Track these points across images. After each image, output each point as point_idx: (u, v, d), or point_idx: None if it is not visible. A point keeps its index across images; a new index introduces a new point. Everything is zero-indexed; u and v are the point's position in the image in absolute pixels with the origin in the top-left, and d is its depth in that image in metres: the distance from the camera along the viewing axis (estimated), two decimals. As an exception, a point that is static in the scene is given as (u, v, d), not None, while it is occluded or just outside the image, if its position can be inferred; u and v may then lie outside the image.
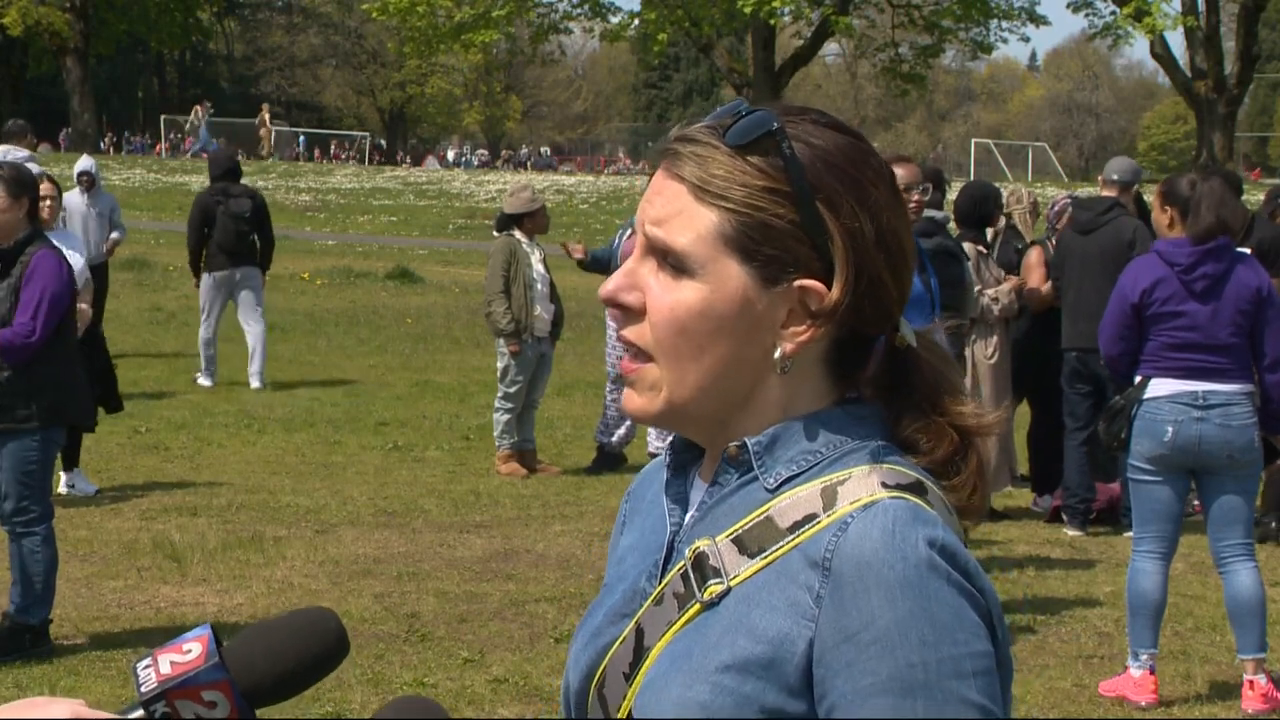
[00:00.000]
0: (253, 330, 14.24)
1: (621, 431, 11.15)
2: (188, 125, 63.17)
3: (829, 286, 1.54)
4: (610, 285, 1.59)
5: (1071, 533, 9.46)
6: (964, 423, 1.60)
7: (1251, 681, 6.30)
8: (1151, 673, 6.36)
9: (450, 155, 72.92)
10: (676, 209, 1.55)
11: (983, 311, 9.56)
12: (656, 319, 1.56)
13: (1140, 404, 6.31)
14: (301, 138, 70.98)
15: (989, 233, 10.18)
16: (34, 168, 8.08)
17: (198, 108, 65.04)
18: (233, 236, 13.88)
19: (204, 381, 14.35)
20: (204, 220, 13.95)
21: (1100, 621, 7.55)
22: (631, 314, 1.58)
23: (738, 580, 1.52)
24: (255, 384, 14.26)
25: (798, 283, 1.54)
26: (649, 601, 1.58)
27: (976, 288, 9.39)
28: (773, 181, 1.53)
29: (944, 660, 1.44)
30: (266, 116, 63.38)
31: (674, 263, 1.55)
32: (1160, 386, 6.29)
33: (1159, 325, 6.33)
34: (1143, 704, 6.31)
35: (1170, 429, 6.22)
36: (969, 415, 1.61)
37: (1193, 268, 6.27)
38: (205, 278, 14.07)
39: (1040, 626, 7.39)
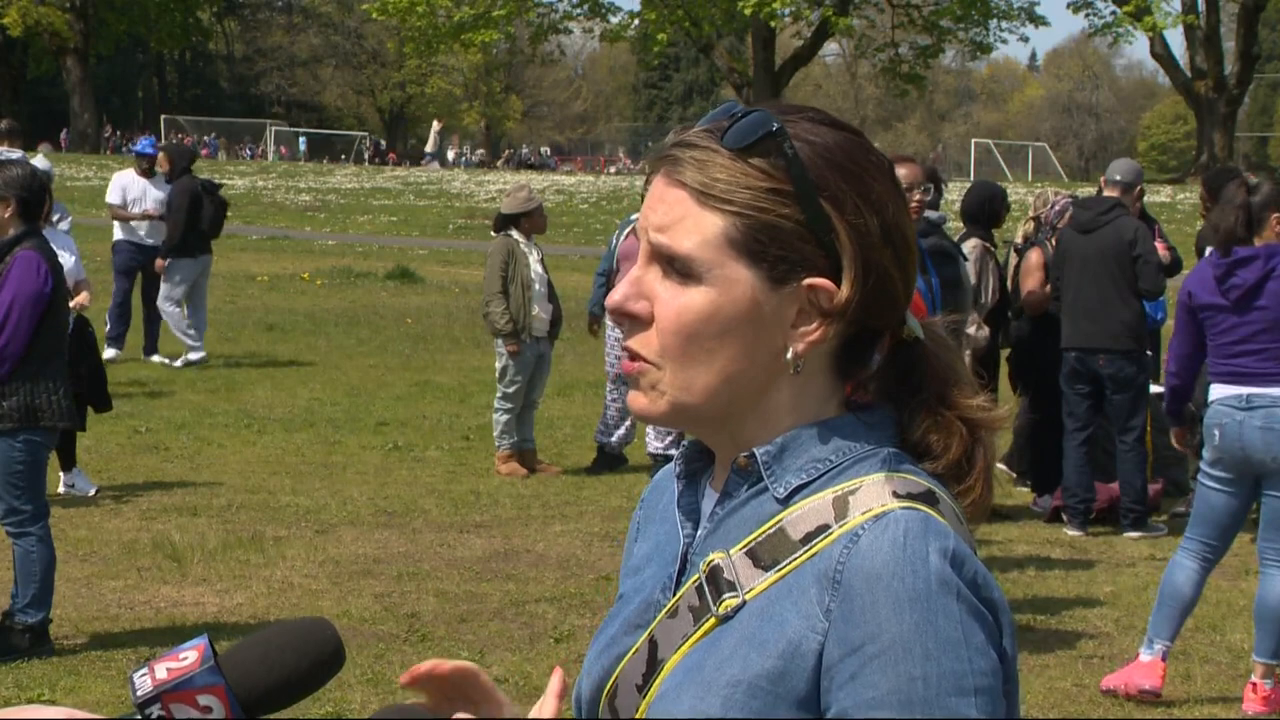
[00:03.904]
0: (201, 312, 15.23)
1: (621, 432, 11.15)
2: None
3: (837, 284, 1.53)
4: (617, 295, 1.58)
5: (1071, 533, 9.46)
6: (973, 415, 1.59)
7: (1255, 684, 6.30)
8: (1163, 660, 6.36)
9: (450, 155, 72.90)
10: (680, 215, 1.54)
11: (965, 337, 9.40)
12: (665, 325, 1.55)
13: (1206, 408, 6.40)
14: (302, 139, 70.97)
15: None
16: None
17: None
18: (217, 224, 14.86)
19: (194, 356, 15.02)
20: (193, 205, 14.60)
21: (1100, 621, 7.54)
22: (638, 323, 1.57)
23: (753, 594, 1.51)
24: (199, 355, 15.05)
25: (806, 282, 1.53)
26: (663, 613, 1.58)
27: (972, 287, 9.36)
28: (776, 182, 1.52)
29: (945, 675, 1.43)
30: (437, 125, 64.51)
31: (680, 268, 1.54)
32: (1215, 391, 6.38)
33: (1209, 330, 6.41)
34: (1146, 686, 6.30)
35: (1217, 432, 6.29)
36: (977, 408, 1.59)
37: (1226, 275, 6.31)
38: (186, 261, 14.71)
39: (1040, 626, 7.39)
